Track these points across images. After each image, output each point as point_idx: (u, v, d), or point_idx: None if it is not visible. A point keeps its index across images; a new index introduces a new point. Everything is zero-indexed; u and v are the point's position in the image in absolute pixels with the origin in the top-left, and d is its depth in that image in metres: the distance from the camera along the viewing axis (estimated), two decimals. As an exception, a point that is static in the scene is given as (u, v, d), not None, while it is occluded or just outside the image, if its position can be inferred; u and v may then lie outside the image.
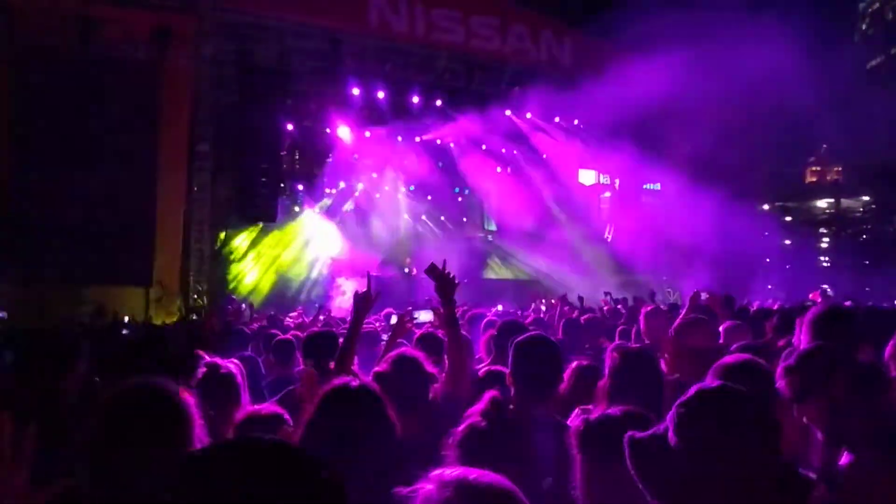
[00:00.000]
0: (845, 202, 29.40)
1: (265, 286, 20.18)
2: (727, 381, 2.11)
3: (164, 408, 2.15)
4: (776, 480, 1.74)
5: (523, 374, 3.05)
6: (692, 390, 1.83)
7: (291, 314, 13.53)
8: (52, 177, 15.83)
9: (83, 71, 15.64)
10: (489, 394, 2.86)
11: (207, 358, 3.85)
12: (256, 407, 3.33)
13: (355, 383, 2.50)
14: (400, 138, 20.83)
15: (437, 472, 1.40)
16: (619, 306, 11.54)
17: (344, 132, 19.49)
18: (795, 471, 1.88)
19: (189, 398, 2.22)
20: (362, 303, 4.09)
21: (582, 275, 21.96)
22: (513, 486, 1.39)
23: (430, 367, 3.36)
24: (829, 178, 29.00)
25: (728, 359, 2.84)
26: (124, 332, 8.94)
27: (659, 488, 1.77)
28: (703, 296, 7.15)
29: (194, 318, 15.35)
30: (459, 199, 24.08)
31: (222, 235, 19.19)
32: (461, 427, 2.68)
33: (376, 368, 3.59)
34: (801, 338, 3.18)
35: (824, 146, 28.33)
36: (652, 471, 1.79)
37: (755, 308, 9.60)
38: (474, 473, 1.38)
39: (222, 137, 17.54)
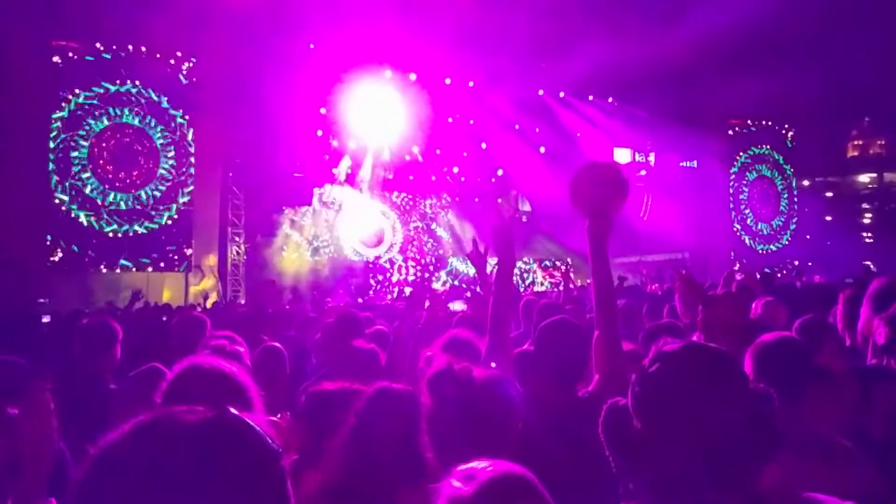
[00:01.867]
0: (888, 176, 28.66)
1: (307, 268, 20.19)
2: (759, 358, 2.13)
3: (225, 388, 2.08)
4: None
5: (546, 359, 2.96)
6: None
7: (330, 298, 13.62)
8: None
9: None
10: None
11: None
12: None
13: (396, 387, 2.46)
14: (450, 120, 20.73)
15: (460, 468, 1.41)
16: (655, 286, 11.43)
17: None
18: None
19: (248, 378, 2.18)
20: (482, 258, 3.95)
21: (617, 254, 21.77)
22: (532, 477, 1.41)
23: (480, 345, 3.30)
24: (871, 151, 28.26)
25: (766, 336, 2.75)
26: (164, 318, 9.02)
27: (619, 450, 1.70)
28: (738, 276, 7.06)
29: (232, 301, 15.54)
30: (493, 179, 23.93)
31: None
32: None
33: (427, 352, 3.55)
34: (862, 311, 3.09)
35: (867, 119, 27.61)
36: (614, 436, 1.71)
37: (801, 283, 9.48)
38: (497, 467, 1.40)
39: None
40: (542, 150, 22.44)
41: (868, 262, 19.34)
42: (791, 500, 1.52)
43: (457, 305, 9.04)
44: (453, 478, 1.39)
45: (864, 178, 29.19)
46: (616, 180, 3.00)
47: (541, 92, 20.98)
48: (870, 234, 27.20)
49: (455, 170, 22.27)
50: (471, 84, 19.52)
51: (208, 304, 14.52)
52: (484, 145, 21.77)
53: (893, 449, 2.38)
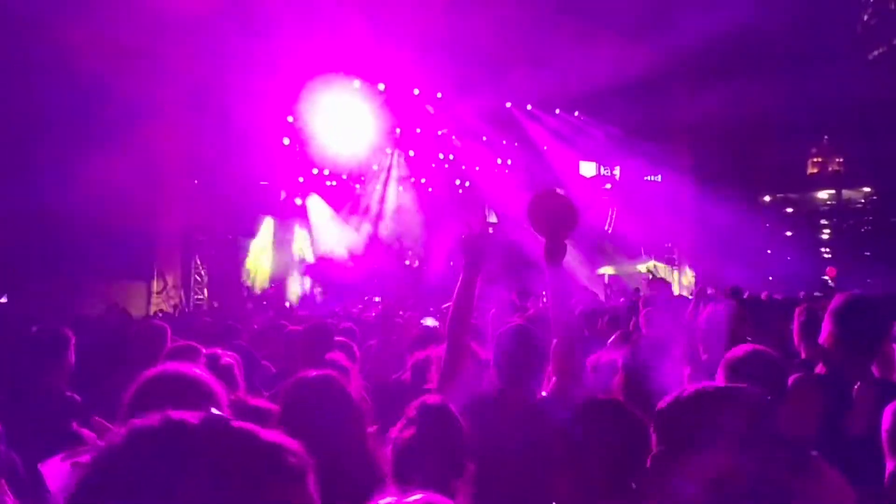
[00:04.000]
0: (847, 193, 29.24)
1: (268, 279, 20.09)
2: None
3: (192, 392, 2.07)
4: None
5: (500, 361, 3.16)
6: None
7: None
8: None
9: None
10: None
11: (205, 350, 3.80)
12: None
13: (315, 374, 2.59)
14: (398, 130, 20.77)
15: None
16: (622, 299, 11.57)
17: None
18: None
19: (217, 383, 2.17)
20: (474, 251, 3.21)
21: (583, 266, 21.94)
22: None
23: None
24: (830, 169, 28.81)
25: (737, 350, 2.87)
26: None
27: None
28: (710, 290, 7.21)
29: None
30: (460, 190, 23.99)
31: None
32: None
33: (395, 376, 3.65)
34: (824, 325, 3.17)
35: (826, 137, 28.16)
36: None
37: (764, 297, 9.72)
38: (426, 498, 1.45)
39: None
40: (500, 161, 22.60)
41: (827, 277, 19.73)
42: None
43: (429, 321, 9.02)
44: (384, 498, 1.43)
45: (823, 194, 29.76)
46: (567, 212, 3.32)
47: (508, 104, 21.11)
48: (828, 250, 27.71)
49: (423, 180, 22.36)
50: (439, 95, 19.56)
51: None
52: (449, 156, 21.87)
53: (867, 447, 2.49)
